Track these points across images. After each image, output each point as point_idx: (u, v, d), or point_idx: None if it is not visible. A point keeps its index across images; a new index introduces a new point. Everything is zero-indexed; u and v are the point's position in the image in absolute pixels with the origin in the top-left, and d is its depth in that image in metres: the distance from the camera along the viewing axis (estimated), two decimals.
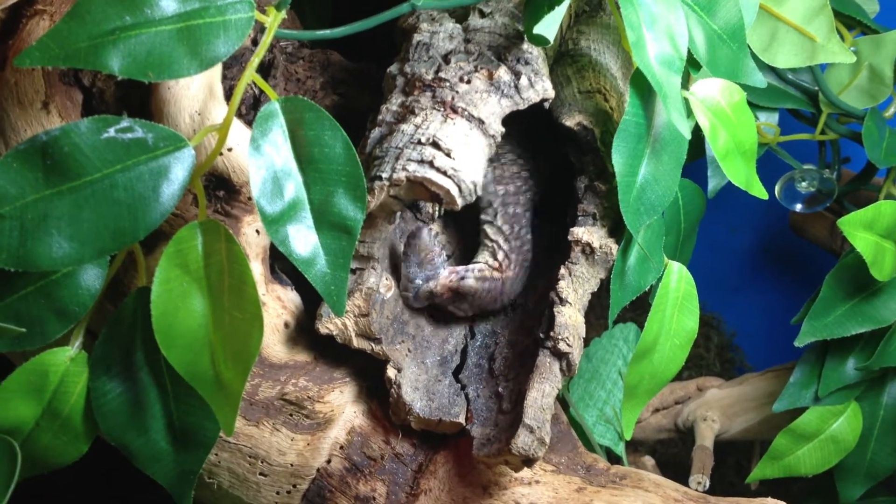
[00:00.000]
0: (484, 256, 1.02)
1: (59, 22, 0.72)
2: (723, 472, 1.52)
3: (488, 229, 1.03)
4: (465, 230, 1.09)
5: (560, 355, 0.94)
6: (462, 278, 0.99)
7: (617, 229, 0.98)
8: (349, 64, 1.10)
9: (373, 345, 0.95)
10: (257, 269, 0.96)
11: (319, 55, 1.08)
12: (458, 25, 0.98)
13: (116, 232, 0.75)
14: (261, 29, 0.81)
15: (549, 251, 1.05)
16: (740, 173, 0.97)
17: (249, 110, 1.00)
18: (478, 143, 0.90)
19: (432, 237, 0.99)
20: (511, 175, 1.03)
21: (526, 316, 1.04)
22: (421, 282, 0.99)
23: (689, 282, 0.99)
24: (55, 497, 1.32)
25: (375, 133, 0.93)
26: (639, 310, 1.56)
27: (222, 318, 0.79)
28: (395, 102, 0.94)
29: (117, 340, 0.84)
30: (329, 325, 0.95)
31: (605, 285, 0.99)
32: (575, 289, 0.97)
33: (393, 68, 0.98)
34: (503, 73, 0.93)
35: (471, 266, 1.01)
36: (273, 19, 0.80)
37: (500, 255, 1.01)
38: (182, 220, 0.91)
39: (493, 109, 0.91)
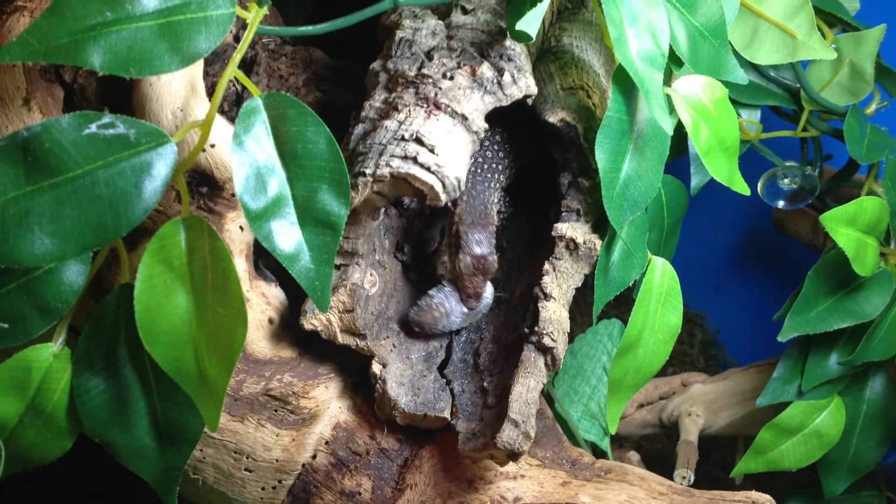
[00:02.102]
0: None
1: (40, 18, 0.72)
2: (707, 466, 1.53)
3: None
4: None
5: (544, 350, 0.94)
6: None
7: (600, 225, 0.99)
8: (332, 61, 1.10)
9: (357, 340, 0.95)
10: (241, 265, 0.96)
11: (302, 52, 1.08)
12: (440, 22, 0.98)
13: (98, 228, 0.75)
14: (243, 25, 0.81)
15: (533, 247, 1.06)
16: (723, 170, 0.98)
17: (232, 107, 1.00)
18: (461, 138, 0.90)
19: (423, 305, 0.99)
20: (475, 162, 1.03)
21: (510, 311, 1.04)
22: (462, 309, 1.00)
23: (673, 277, 0.99)
24: (40, 494, 1.31)
25: (359, 129, 0.94)
26: (623, 307, 1.57)
27: (206, 314, 0.79)
28: (378, 99, 0.94)
29: (100, 337, 0.84)
30: (314, 320, 0.95)
31: (589, 281, 1.00)
32: (559, 284, 0.97)
33: (376, 65, 0.98)
34: (486, 70, 0.93)
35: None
36: (255, 15, 0.80)
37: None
38: (165, 216, 0.91)
39: (477, 106, 0.91)
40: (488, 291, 1.00)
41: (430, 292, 0.99)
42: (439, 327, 1.00)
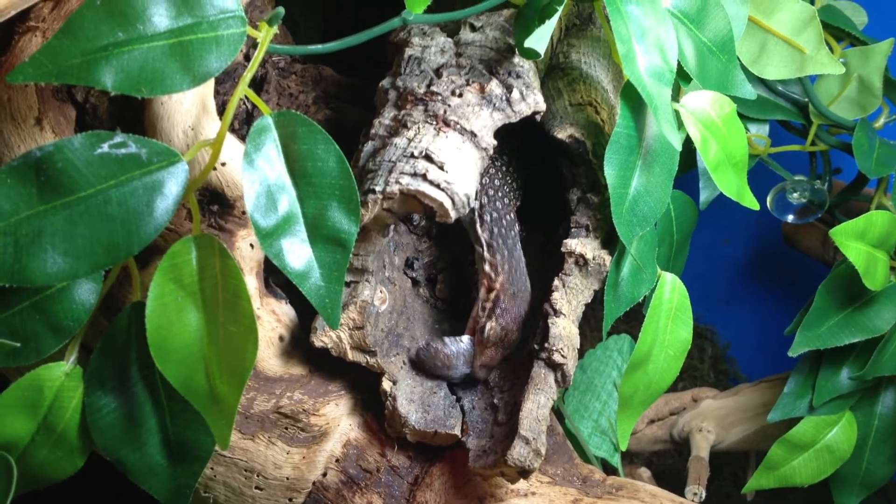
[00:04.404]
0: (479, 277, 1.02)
1: (52, 38, 0.72)
2: (719, 482, 1.53)
3: (475, 244, 1.02)
4: (458, 243, 1.10)
5: (555, 366, 0.94)
6: (483, 330, 0.98)
7: (610, 241, 0.99)
8: (341, 78, 1.10)
9: (368, 357, 0.95)
10: (252, 282, 0.96)
11: (312, 70, 1.09)
12: (449, 39, 0.99)
13: (110, 247, 0.75)
14: (253, 44, 0.82)
15: (542, 263, 1.06)
16: (731, 184, 0.98)
17: (242, 125, 1.01)
18: (470, 155, 0.90)
19: (431, 348, 0.99)
20: (485, 184, 1.03)
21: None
22: (465, 370, 0.99)
23: (683, 292, 0.99)
24: None
25: (368, 147, 0.94)
26: (633, 322, 1.57)
27: (217, 332, 0.79)
28: (387, 116, 0.95)
29: (112, 355, 0.84)
30: (324, 338, 0.95)
31: (598, 297, 1.00)
32: (569, 300, 0.97)
33: (385, 82, 0.98)
34: (495, 87, 0.93)
35: (473, 314, 1.00)
36: (265, 34, 0.81)
37: (487, 267, 1.00)
38: (176, 234, 0.92)
39: (485, 122, 0.92)
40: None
41: (447, 341, 0.99)
42: (435, 373, 1.00)
